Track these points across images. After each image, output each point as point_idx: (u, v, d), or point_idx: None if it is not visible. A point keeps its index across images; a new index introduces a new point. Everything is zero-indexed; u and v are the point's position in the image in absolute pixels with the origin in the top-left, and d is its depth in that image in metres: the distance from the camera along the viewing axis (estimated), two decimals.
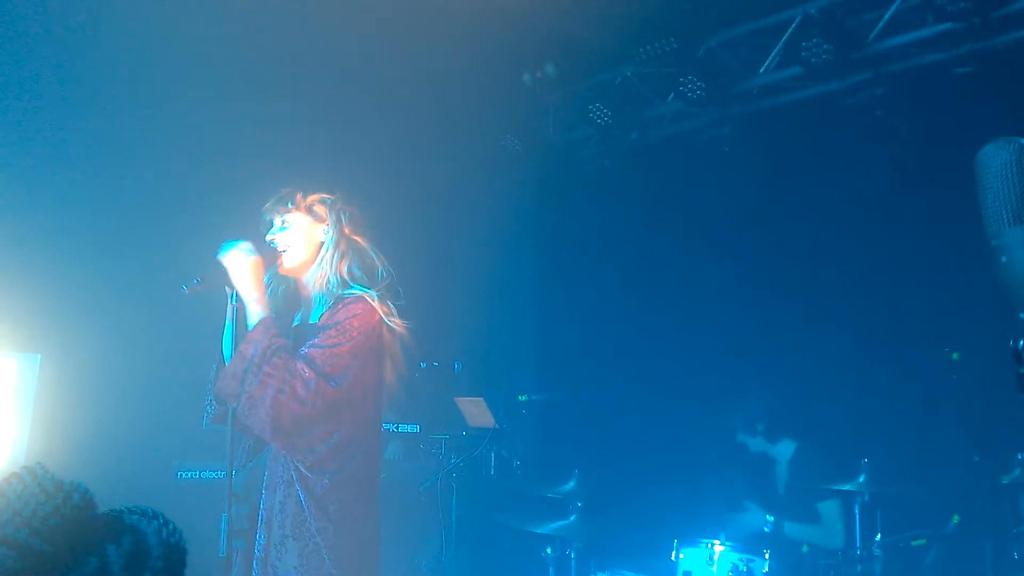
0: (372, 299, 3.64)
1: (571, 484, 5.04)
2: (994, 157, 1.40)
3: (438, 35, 5.24)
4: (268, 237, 3.76)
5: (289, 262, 3.73)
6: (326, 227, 3.74)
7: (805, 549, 4.83)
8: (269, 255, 3.71)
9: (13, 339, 4.72)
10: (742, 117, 6.03)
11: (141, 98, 5.31)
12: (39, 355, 4.69)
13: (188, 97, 5.27)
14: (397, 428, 6.02)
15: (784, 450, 5.26)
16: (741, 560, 4.47)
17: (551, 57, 6.11)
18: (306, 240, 3.74)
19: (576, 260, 6.74)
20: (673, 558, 4.71)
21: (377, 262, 3.83)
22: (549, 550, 5.05)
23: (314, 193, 3.83)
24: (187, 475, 5.49)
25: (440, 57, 5.43)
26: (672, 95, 6.10)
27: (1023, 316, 1.35)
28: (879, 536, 4.48)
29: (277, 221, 3.79)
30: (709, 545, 4.58)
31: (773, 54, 5.71)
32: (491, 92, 6.20)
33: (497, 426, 5.84)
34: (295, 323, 3.79)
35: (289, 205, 3.77)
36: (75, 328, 5.12)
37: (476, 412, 5.79)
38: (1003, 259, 1.39)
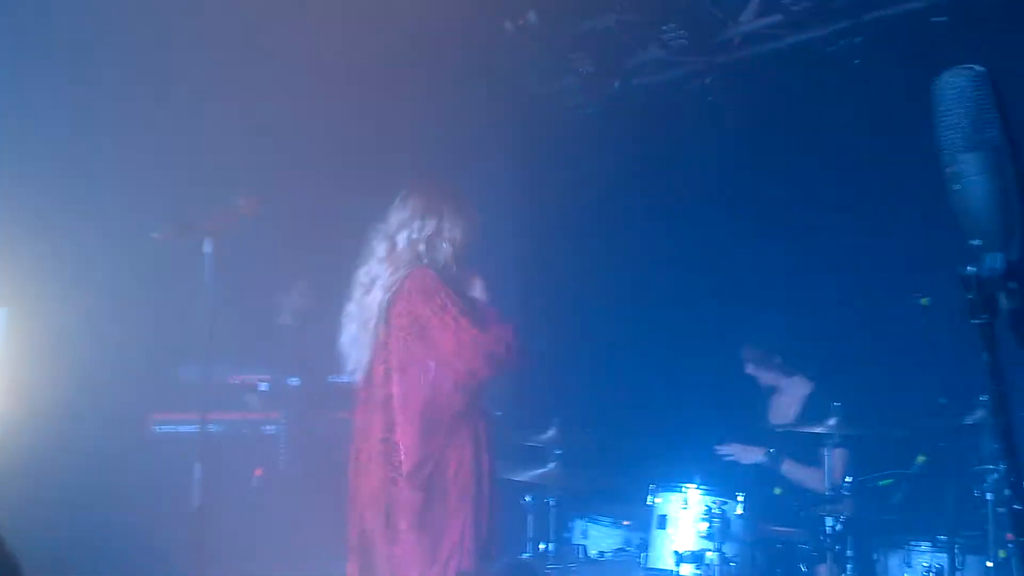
0: None
1: (551, 432, 5.09)
2: (950, 85, 1.43)
3: None
4: None
5: None
6: None
7: (777, 491, 4.92)
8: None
9: None
10: (724, 67, 6.02)
11: (112, 56, 5.25)
12: (5, 309, 4.65)
13: (153, 57, 5.21)
14: None
15: (799, 386, 5.38)
16: (715, 503, 4.55)
17: (533, 4, 6.06)
18: None
19: (558, 209, 6.73)
20: (649, 503, 4.78)
21: None
22: (528, 498, 5.10)
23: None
24: (165, 429, 5.53)
25: (420, 5, 5.39)
26: (654, 44, 6.07)
27: (974, 243, 1.39)
28: (849, 477, 4.57)
29: None
30: (684, 489, 4.65)
31: (754, 1, 5.69)
32: (472, 41, 6.16)
33: None
34: None
35: None
36: (42, 281, 5.07)
37: None
38: (956, 187, 1.42)
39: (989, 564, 4.17)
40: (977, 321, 1.36)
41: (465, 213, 3.86)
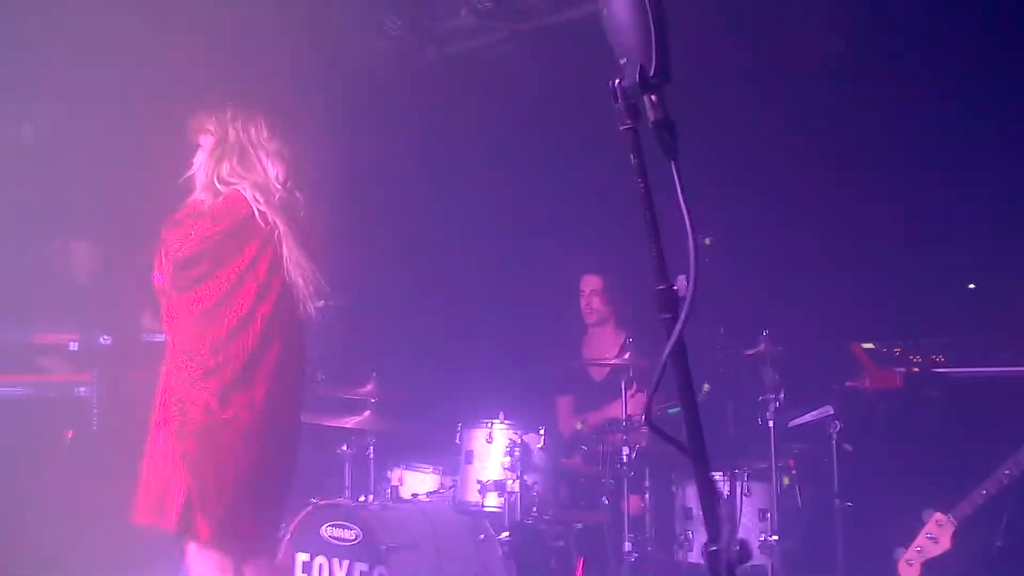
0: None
1: (369, 385, 5.17)
2: None
3: None
4: None
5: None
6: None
7: (579, 427, 5.18)
8: None
9: None
10: (524, 35, 6.16)
11: None
12: None
13: None
14: None
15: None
16: (517, 435, 4.75)
17: None
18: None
19: (375, 168, 6.77)
20: (457, 440, 4.94)
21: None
22: (345, 447, 5.18)
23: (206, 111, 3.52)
24: None
25: None
26: (464, 9, 6.18)
27: (621, 61, 1.60)
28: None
29: None
30: (488, 424, 4.83)
31: None
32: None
33: None
34: None
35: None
36: None
37: None
38: (605, 12, 1.63)
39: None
40: (623, 127, 1.57)
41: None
